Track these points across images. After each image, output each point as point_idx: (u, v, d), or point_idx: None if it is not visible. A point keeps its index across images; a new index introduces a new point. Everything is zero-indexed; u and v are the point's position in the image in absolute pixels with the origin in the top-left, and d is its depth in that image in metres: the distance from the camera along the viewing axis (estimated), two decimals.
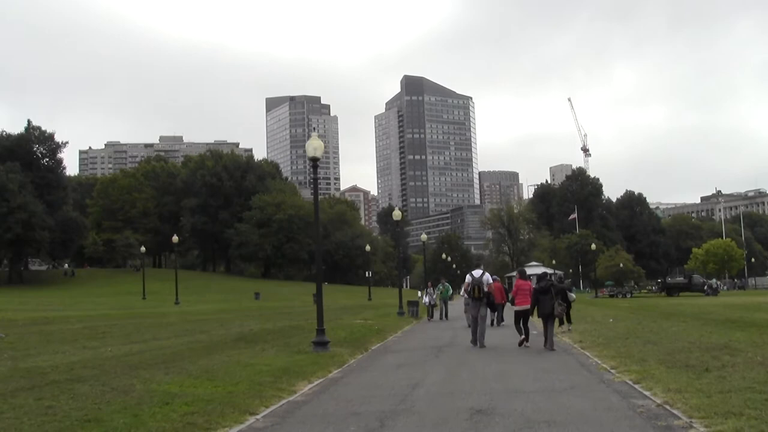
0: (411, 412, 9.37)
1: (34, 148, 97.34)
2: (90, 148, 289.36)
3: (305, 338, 19.25)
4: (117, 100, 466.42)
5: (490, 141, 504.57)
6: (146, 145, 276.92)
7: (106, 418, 8.89)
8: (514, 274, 24.15)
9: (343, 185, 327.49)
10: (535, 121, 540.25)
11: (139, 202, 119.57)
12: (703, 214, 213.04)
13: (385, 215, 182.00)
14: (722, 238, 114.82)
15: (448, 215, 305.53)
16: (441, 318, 32.26)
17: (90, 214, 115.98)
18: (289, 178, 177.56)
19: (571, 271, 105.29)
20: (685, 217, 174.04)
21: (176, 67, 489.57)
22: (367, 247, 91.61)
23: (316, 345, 17.38)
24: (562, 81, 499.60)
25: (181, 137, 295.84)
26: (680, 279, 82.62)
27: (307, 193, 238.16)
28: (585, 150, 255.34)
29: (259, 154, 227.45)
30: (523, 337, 17.98)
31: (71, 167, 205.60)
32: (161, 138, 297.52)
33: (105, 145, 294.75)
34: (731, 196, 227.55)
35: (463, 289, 22.62)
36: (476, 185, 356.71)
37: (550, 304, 17.51)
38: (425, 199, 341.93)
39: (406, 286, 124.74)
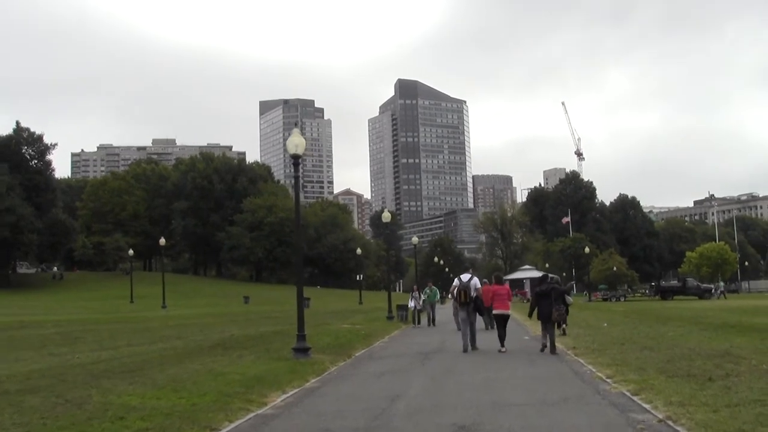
0: (388, 429, 8.52)
1: (23, 150, 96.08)
2: (82, 150, 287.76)
3: (287, 344, 18.24)
4: (110, 103, 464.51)
5: (483, 144, 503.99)
6: (139, 148, 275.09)
7: None
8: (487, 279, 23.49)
9: (337, 189, 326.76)
10: (529, 124, 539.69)
11: (130, 205, 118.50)
12: (696, 217, 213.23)
13: (378, 219, 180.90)
14: (716, 241, 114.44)
15: (442, 219, 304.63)
16: (429, 324, 31.15)
17: (80, 216, 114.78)
18: (282, 182, 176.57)
19: (564, 274, 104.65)
20: (678, 221, 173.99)
21: (170, 70, 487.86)
22: (359, 251, 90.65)
23: (297, 352, 16.49)
24: (555, 85, 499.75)
25: (174, 140, 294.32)
26: (674, 282, 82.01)
27: (300, 197, 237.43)
28: (579, 154, 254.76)
29: (253, 157, 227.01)
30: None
31: (64, 170, 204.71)
32: (154, 141, 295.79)
33: (97, 147, 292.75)
34: (724, 200, 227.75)
35: (450, 293, 22.31)
36: (470, 189, 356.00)
37: (550, 307, 17.01)
38: (419, 203, 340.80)
39: (399, 290, 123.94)
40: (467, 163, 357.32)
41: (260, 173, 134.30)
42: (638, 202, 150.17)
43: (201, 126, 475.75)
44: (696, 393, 9.66)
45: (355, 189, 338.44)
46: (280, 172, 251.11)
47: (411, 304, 32.14)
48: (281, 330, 26.10)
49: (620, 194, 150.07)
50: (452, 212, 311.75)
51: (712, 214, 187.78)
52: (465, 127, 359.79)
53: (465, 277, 19.00)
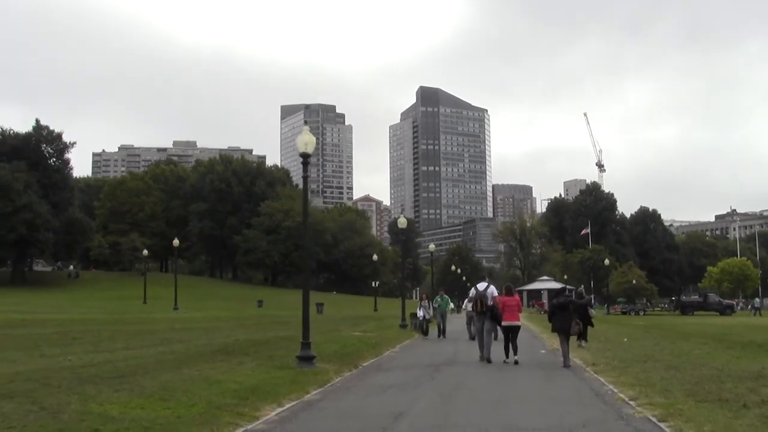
0: None
1: (41, 148, 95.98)
2: (104, 150, 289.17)
3: (293, 351, 17.26)
4: (133, 104, 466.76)
5: (503, 153, 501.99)
6: (159, 150, 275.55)
7: None
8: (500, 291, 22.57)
9: (356, 195, 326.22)
10: (549, 135, 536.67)
11: (147, 206, 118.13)
12: (717, 232, 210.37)
13: (395, 226, 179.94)
14: (737, 256, 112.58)
15: (461, 227, 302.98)
16: (438, 336, 29.70)
17: (97, 216, 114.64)
18: (301, 186, 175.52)
19: (582, 286, 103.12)
20: (699, 235, 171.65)
21: (193, 73, 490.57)
22: (375, 257, 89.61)
23: (300, 360, 15.68)
24: (575, 96, 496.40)
25: (195, 142, 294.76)
26: (695, 297, 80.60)
27: (319, 202, 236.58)
28: (600, 165, 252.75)
29: (273, 161, 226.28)
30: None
31: (85, 169, 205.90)
32: (175, 143, 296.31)
33: (118, 148, 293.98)
34: (746, 215, 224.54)
35: (466, 301, 21.67)
36: (489, 198, 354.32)
37: (567, 320, 16.35)
38: (438, 211, 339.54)
39: (415, 298, 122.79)
40: (487, 172, 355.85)
41: (279, 177, 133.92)
42: (659, 215, 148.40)
43: (222, 129, 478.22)
44: (731, 422, 8.71)
45: (374, 195, 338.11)
46: (299, 176, 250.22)
47: (420, 313, 30.69)
48: (289, 335, 25.16)
49: (641, 207, 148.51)
50: (471, 221, 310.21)
51: (734, 229, 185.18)
52: (486, 136, 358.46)
53: (481, 285, 18.70)
